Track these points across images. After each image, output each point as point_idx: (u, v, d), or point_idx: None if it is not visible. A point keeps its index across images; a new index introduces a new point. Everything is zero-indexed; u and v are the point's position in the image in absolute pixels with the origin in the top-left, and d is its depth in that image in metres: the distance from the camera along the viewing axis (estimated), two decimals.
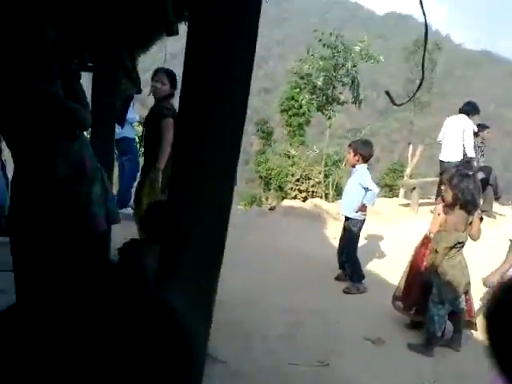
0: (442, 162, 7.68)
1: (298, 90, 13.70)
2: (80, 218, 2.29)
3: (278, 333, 3.72)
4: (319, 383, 3.15)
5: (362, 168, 4.78)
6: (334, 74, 12.68)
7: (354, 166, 4.87)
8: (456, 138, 7.43)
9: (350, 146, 4.95)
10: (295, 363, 3.30)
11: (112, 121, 3.19)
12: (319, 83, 12.86)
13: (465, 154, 7.38)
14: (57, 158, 2.24)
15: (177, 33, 1.59)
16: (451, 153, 7.52)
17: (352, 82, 12.78)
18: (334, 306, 4.37)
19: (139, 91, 4.08)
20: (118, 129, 4.06)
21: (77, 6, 2.40)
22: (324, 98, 13.09)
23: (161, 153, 4.02)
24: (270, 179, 13.81)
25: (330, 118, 13.13)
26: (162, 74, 4.08)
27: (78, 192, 2.29)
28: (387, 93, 1.61)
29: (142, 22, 2.80)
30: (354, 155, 4.76)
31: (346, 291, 4.77)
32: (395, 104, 1.63)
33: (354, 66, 12.52)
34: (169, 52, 4.89)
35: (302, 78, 13.43)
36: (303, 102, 13.55)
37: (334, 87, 12.95)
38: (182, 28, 2.83)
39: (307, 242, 6.09)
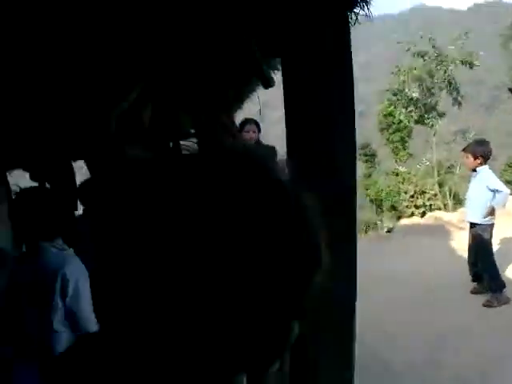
0: None
1: (392, 107, 13.40)
2: None
3: (423, 358, 3.55)
4: None
5: (484, 169, 4.56)
6: (430, 80, 12.25)
7: (474, 170, 4.65)
8: None
9: (465, 150, 4.76)
10: None
11: None
12: (414, 95, 12.48)
13: None
14: None
15: (273, 84, 1.71)
16: None
17: (449, 85, 12.24)
18: (477, 323, 4.07)
19: None
20: None
21: (170, 80, 2.57)
22: (423, 108, 12.68)
23: None
24: (382, 201, 13.44)
25: (432, 126, 12.65)
26: (252, 124, 4.65)
27: None
28: (510, 90, 1.58)
29: (239, 82, 2.96)
30: (475, 158, 4.56)
31: (487, 304, 4.44)
32: None
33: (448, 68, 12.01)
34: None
35: (395, 94, 13.15)
36: (401, 116, 13.18)
37: (432, 94, 12.50)
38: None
39: (435, 259, 5.81)
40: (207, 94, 3.10)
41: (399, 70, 12.72)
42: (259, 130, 4.83)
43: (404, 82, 12.50)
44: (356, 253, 1.49)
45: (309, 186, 1.44)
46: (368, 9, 1.89)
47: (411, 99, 12.69)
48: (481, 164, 4.54)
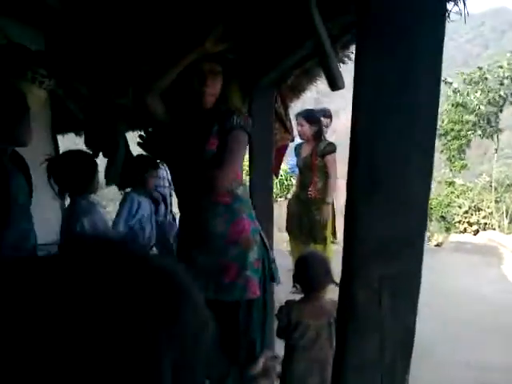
0: None
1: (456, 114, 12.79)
2: (235, 280, 2.19)
3: None
4: None
5: None
6: (498, 93, 11.60)
7: None
8: None
9: None
10: None
11: (269, 172, 3.17)
12: (482, 107, 11.85)
13: None
14: (210, 217, 2.19)
15: (343, 86, 1.35)
16: None
17: None
18: None
19: (293, 139, 4.17)
20: None
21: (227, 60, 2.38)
22: (488, 120, 12.05)
23: (330, 187, 4.53)
24: (431, 209, 12.90)
25: (497, 138, 12.09)
26: (300, 117, 4.72)
27: (235, 252, 2.19)
28: None
29: (298, 69, 2.76)
30: None
31: None
32: None
33: None
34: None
35: (456, 106, 12.52)
36: (464, 126, 12.56)
37: (500, 108, 11.83)
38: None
39: (485, 283, 5.42)
40: (263, 77, 2.91)
41: (470, 79, 12.06)
42: (313, 122, 4.66)
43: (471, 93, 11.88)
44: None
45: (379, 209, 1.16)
46: (464, 4, 1.62)
47: (477, 113, 12.08)
48: None
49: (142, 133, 3.44)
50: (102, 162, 4.44)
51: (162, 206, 4.18)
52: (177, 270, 0.55)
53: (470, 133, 12.55)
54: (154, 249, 3.90)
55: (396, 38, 1.06)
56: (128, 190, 3.86)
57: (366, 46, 1.10)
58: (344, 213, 1.14)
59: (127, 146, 4.18)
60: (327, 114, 5.17)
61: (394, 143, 1.09)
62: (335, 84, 1.32)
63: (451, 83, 12.32)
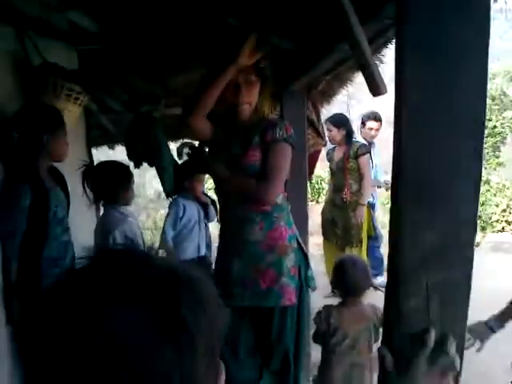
0: None
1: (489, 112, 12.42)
2: (271, 286, 2.18)
3: None
4: None
5: None
6: None
7: None
8: None
9: None
10: None
11: (304, 177, 3.15)
12: None
13: None
14: (247, 225, 2.18)
15: (385, 91, 1.29)
16: None
17: None
18: None
19: (326, 144, 4.16)
20: None
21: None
22: None
23: (365, 189, 4.52)
24: None
25: None
26: (328, 123, 4.72)
27: (271, 258, 2.18)
28: None
29: (329, 74, 2.75)
30: None
31: None
32: None
33: None
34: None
35: (493, 99, 12.14)
36: (498, 123, 12.21)
37: None
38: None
39: None
40: (294, 80, 2.89)
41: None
42: (341, 126, 4.68)
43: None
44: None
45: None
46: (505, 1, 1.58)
47: None
48: None
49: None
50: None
51: (212, 209, 4.17)
52: (199, 277, 0.58)
53: (507, 127, 12.16)
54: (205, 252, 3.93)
55: (439, 39, 1.03)
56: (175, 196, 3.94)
57: (407, 50, 1.07)
58: (389, 220, 1.12)
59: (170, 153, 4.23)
60: (377, 118, 5.08)
61: (441, 147, 1.06)
62: (377, 89, 1.29)
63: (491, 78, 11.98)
